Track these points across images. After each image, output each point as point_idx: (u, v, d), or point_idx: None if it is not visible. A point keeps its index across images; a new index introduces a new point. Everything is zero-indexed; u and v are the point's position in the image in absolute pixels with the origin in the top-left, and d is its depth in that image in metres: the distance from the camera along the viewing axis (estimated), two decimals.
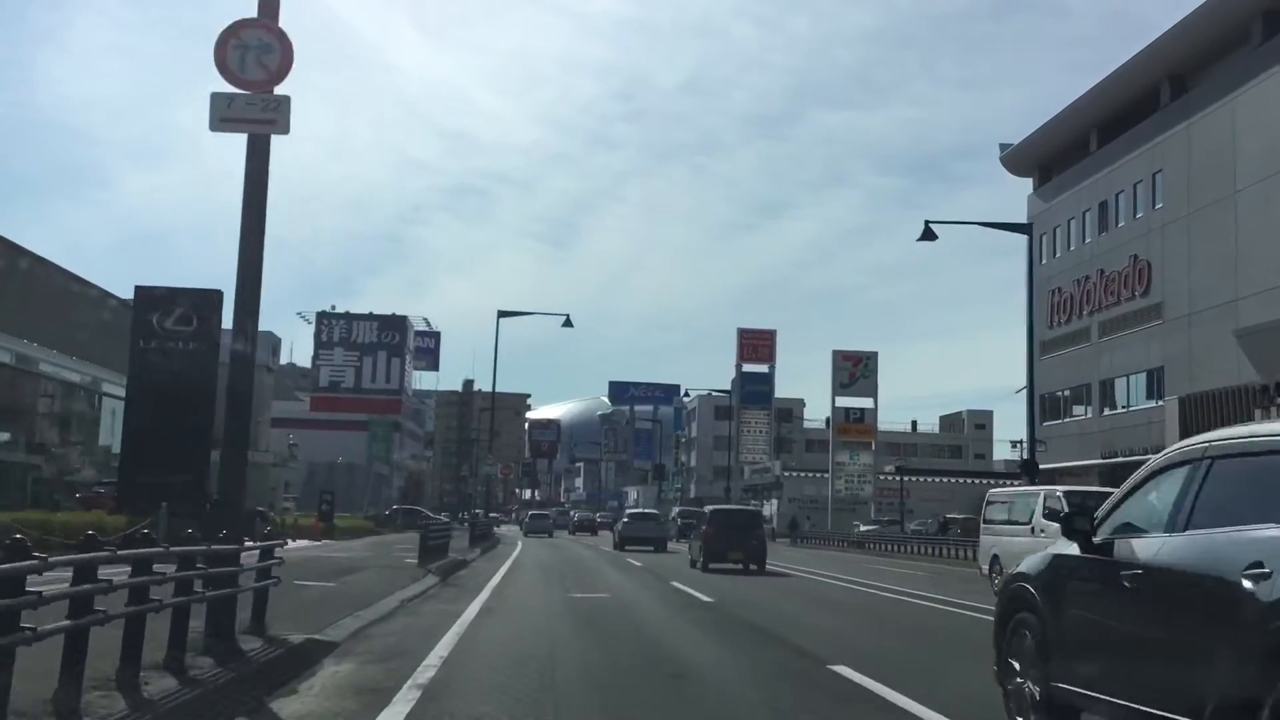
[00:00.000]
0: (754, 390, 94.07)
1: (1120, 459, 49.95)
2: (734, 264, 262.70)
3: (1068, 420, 56.64)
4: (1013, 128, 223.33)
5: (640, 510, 56.79)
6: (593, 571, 25.75)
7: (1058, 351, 58.08)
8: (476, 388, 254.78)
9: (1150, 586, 5.35)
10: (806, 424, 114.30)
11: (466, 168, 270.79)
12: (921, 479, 79.76)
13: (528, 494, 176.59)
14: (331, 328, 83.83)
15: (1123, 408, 52.33)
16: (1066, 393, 57.63)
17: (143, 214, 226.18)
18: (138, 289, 21.89)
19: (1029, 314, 35.32)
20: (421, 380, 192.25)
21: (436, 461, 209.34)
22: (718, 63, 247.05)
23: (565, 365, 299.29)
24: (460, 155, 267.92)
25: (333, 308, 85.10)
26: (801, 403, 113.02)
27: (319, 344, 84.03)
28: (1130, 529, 5.88)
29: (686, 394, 75.93)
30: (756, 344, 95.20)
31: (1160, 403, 47.88)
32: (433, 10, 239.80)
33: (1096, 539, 6.03)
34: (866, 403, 69.65)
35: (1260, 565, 4.42)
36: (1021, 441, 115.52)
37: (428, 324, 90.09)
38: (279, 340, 73.47)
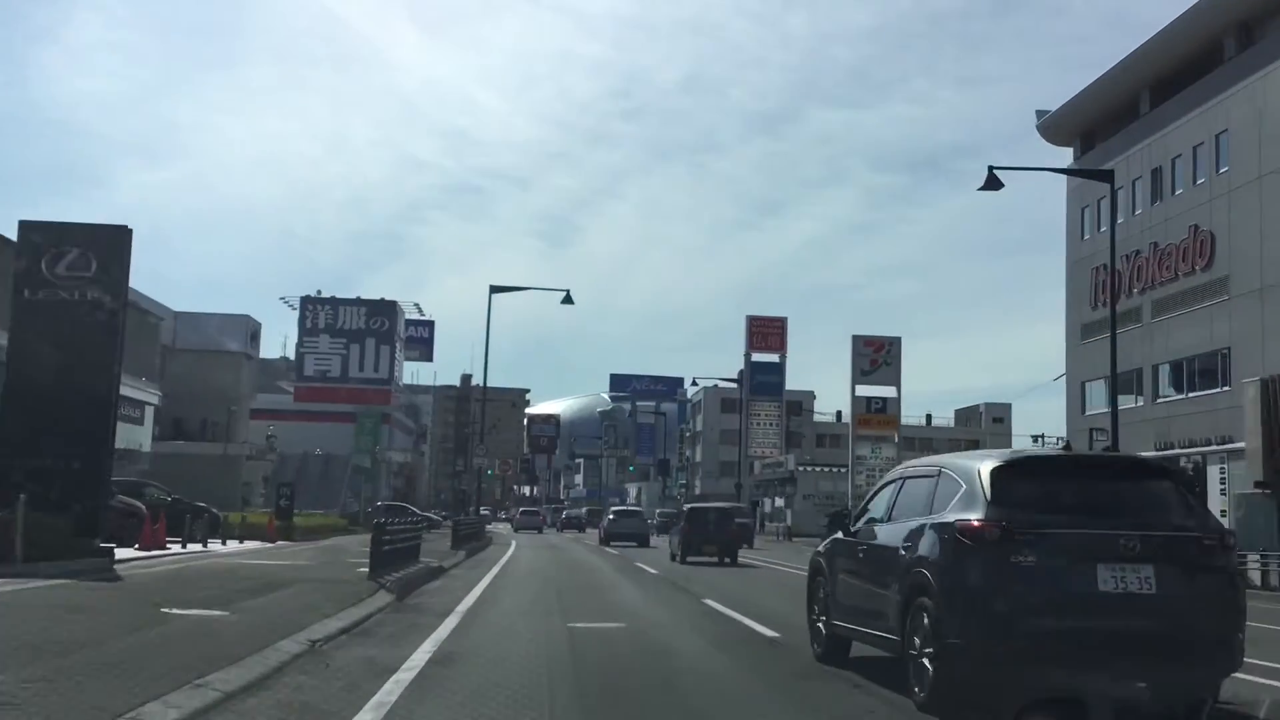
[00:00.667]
0: (764, 380, 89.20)
1: (1179, 450, 45.14)
2: (733, 262, 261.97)
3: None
4: (1012, 125, 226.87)
5: (624, 508, 60.32)
6: (593, 576, 21.40)
7: (1103, 335, 53.12)
8: (475, 383, 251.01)
9: (870, 554, 9.20)
10: (817, 417, 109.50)
11: (465, 166, 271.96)
12: None
13: (527, 490, 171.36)
14: (317, 313, 78.93)
15: (1180, 394, 47.40)
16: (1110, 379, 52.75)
17: (140, 210, 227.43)
18: (21, 224, 16.87)
19: (1114, 285, 30.11)
20: (419, 376, 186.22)
21: (435, 458, 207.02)
22: (716, 61, 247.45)
23: (564, 363, 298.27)
24: (459, 153, 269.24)
25: (318, 293, 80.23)
26: (812, 395, 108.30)
27: (303, 331, 79.08)
28: (869, 520, 9.62)
29: (694, 382, 71.08)
30: (766, 331, 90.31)
31: (1227, 388, 43.01)
32: (431, 8, 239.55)
33: (852, 528, 9.91)
34: (889, 391, 64.69)
35: (906, 540, 8.23)
36: (1043, 436, 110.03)
37: (420, 310, 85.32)
38: (258, 325, 68.60)
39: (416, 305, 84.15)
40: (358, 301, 79.44)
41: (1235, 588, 7.57)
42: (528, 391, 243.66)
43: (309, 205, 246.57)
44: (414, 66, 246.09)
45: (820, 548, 10.59)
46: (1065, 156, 58.72)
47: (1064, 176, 58.32)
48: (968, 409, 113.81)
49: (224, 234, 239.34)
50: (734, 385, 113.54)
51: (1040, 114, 58.35)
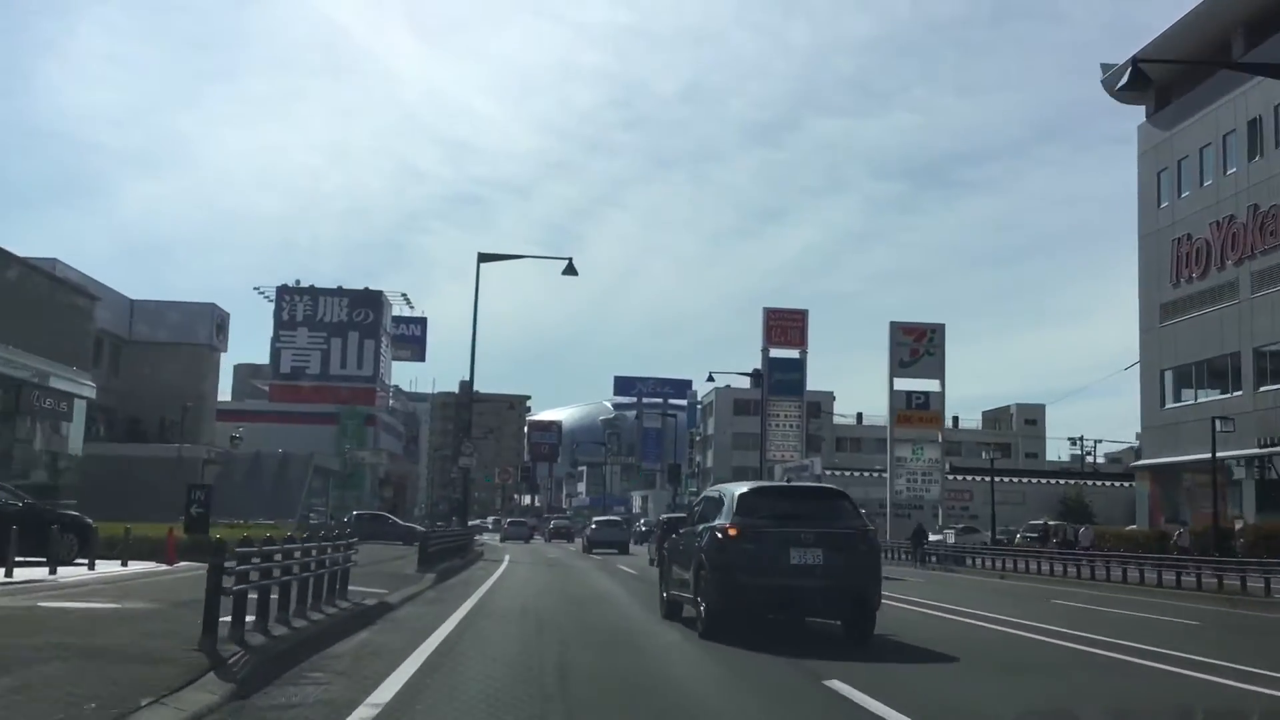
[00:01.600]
0: (783, 378, 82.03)
1: None
2: (734, 270, 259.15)
3: (1204, 400, 44.60)
4: (1010, 133, 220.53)
5: (606, 518, 60.47)
6: (608, 611, 15.59)
7: (1186, 315, 46.15)
8: (475, 389, 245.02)
9: (684, 547, 14.28)
10: (836, 419, 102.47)
11: (466, 175, 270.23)
12: (977, 478, 67.77)
13: (528, 500, 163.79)
14: (294, 304, 72.04)
15: None
16: (1198, 366, 45.76)
17: (142, 223, 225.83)
18: None
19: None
20: (417, 384, 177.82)
21: (432, 467, 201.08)
22: (716, 70, 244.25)
23: (565, 373, 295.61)
24: (459, 163, 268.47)
25: (297, 282, 73.31)
26: (831, 396, 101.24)
27: (280, 324, 72.19)
28: (687, 527, 14.97)
29: (710, 377, 63.73)
30: (785, 325, 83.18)
31: None
32: (432, 18, 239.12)
33: (682, 530, 15.34)
34: (931, 385, 57.76)
35: (698, 538, 13.43)
36: (1082, 438, 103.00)
37: (408, 303, 78.26)
38: (225, 315, 61.62)
39: (405, 297, 77.18)
40: (339, 292, 72.46)
41: (872, 561, 13.25)
42: (528, 398, 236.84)
43: (310, 216, 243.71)
44: (414, 76, 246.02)
45: (664, 546, 17.02)
46: (1136, 114, 51.81)
47: (1132, 145, 51.59)
48: (997, 410, 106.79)
49: (226, 245, 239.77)
50: (748, 386, 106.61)
51: (1106, 68, 51.30)
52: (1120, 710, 8.42)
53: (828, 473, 69.76)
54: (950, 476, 61.01)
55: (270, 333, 73.45)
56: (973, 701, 8.79)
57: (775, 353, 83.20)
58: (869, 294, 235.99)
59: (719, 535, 12.73)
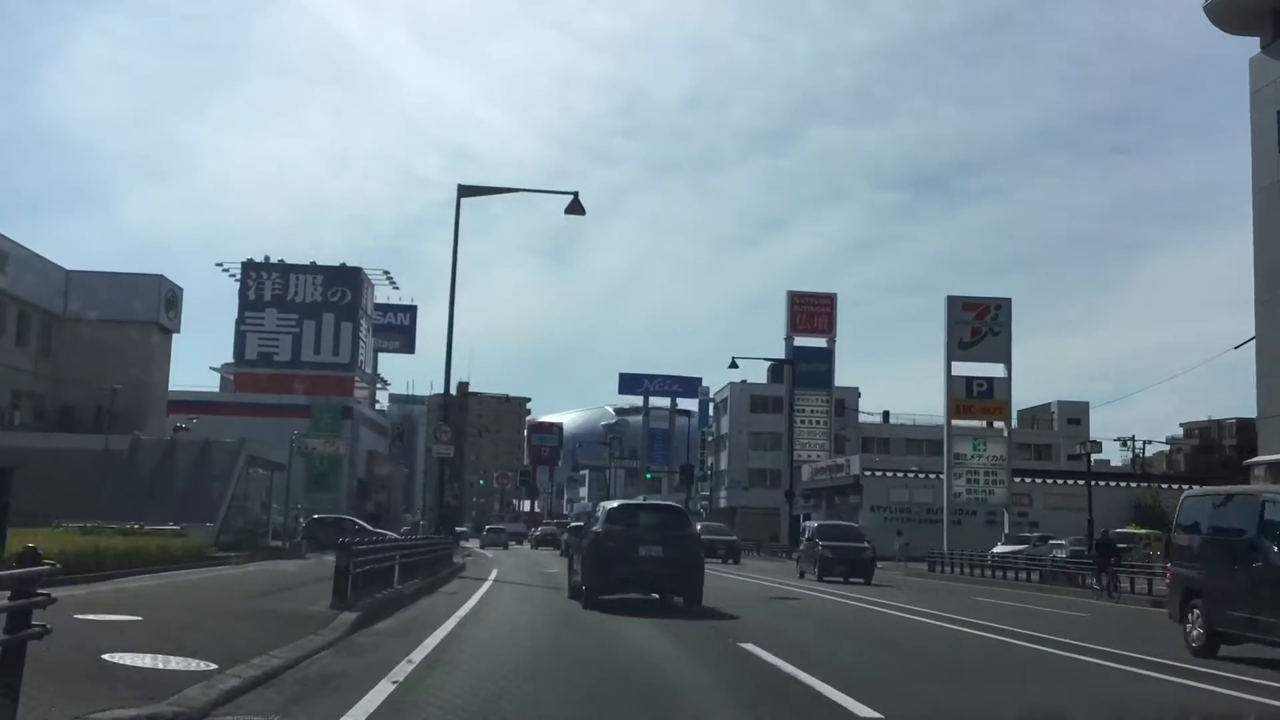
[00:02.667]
0: (809, 369, 73.93)
1: None
2: (736, 278, 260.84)
3: None
4: (1011, 143, 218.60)
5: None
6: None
7: None
8: (472, 389, 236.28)
9: (578, 544, 20.26)
10: (863, 418, 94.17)
11: (467, 182, 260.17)
12: (1038, 480, 59.58)
13: (527, 505, 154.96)
14: (261, 282, 63.89)
15: None
16: None
17: (144, 229, 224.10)
18: None
19: None
20: (415, 385, 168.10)
21: (428, 471, 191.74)
22: (718, 79, 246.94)
23: (565, 379, 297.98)
24: (462, 170, 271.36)
25: (266, 258, 65.09)
26: (856, 391, 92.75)
27: (245, 304, 64.03)
28: (587, 528, 20.26)
29: (733, 363, 55.02)
30: (812, 311, 75.12)
31: None
32: (434, 27, 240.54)
33: (581, 532, 21.18)
34: (996, 370, 49.54)
35: (584, 538, 19.39)
36: (1133, 438, 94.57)
37: (391, 282, 69.76)
38: (177, 290, 53.42)
39: (387, 275, 68.80)
40: (312, 268, 64.24)
41: (698, 556, 18.64)
42: (528, 400, 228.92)
43: (312, 223, 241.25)
44: (416, 84, 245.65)
45: (570, 545, 24.89)
46: (1247, 46, 43.71)
47: (1249, 59, 43.48)
48: (1035, 409, 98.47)
49: (228, 252, 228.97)
50: (765, 381, 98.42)
51: None
52: None
53: (866, 473, 61.40)
54: (1020, 480, 52.78)
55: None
56: None
57: (800, 341, 75.19)
58: (871, 302, 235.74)
59: (593, 537, 18.33)
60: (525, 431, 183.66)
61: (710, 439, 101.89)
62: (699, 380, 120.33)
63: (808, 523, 40.03)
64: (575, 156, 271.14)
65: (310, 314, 63.74)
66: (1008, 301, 50.01)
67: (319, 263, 64.93)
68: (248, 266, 64.06)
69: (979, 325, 48.93)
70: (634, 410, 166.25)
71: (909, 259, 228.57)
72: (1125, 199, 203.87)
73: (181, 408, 56.55)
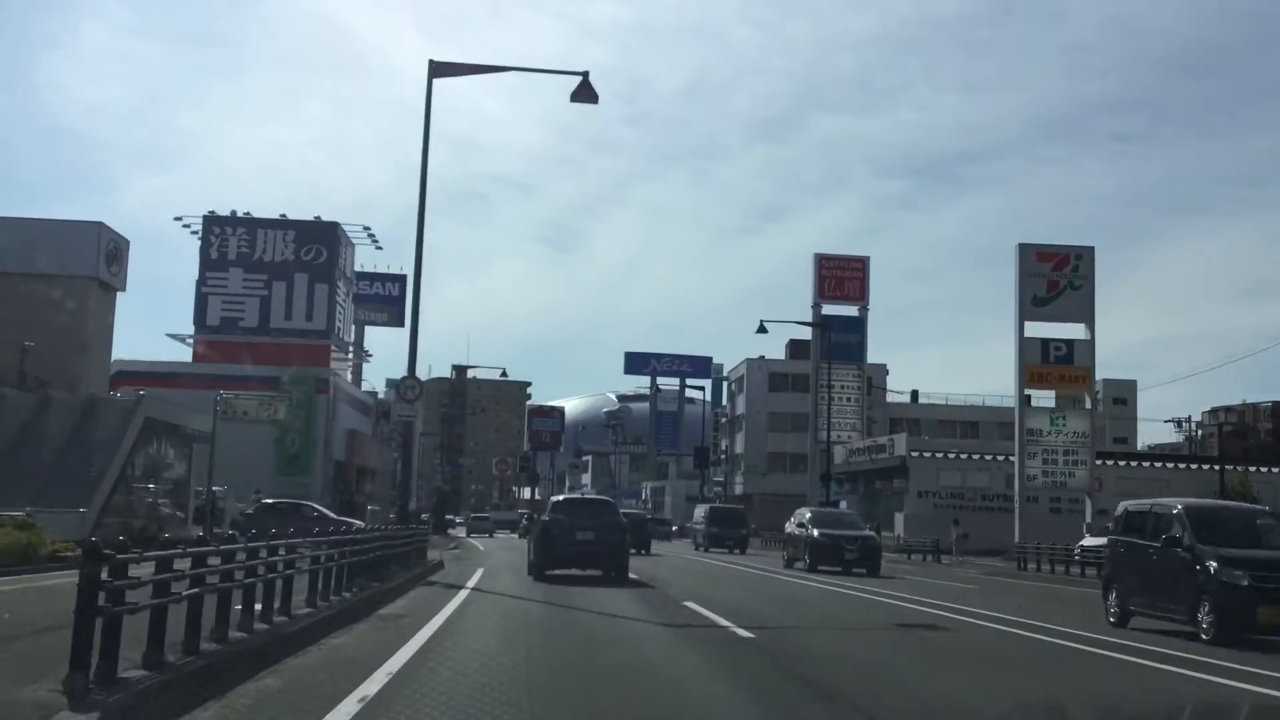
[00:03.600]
0: (839, 340, 66.46)
1: None
2: (738, 267, 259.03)
3: None
4: (1012, 130, 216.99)
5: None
6: None
7: None
8: (471, 374, 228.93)
9: (533, 529, 26.69)
10: (891, 397, 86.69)
11: (468, 172, 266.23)
12: (1111, 462, 52.18)
13: (527, 493, 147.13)
14: (225, 239, 56.54)
15: None
16: None
17: (145, 218, 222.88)
18: None
19: None
20: (408, 370, 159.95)
21: (426, 457, 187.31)
22: (718, 67, 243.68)
23: (566, 368, 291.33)
24: (462, 159, 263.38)
25: (232, 213, 57.69)
26: (884, 369, 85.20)
27: (207, 262, 56.67)
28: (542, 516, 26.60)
29: (761, 328, 47.46)
30: (842, 275, 67.81)
31: None
32: (434, 15, 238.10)
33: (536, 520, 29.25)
34: (1076, 330, 42.22)
35: (536, 524, 26.33)
36: (1189, 419, 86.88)
37: (373, 239, 62.19)
38: (121, 242, 46.14)
39: (369, 233, 61.18)
40: (284, 222, 56.75)
41: (623, 540, 23.05)
42: (528, 385, 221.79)
43: (312, 211, 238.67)
44: (417, 72, 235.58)
45: (529, 531, 31.81)
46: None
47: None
48: (1119, 383, 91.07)
49: None
50: (784, 357, 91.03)
51: None
52: None
53: (914, 454, 53.90)
54: (1102, 463, 45.47)
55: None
56: None
57: (830, 309, 67.73)
58: (873, 290, 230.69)
59: (542, 524, 23.71)
60: (525, 416, 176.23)
61: (724, 420, 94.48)
62: (709, 360, 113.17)
63: (800, 510, 36.37)
64: (575, 145, 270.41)
65: (280, 274, 56.35)
66: (1089, 251, 42.52)
67: (291, 216, 57.44)
68: (210, 221, 56.67)
69: (1056, 278, 41.58)
70: (637, 397, 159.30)
71: (911, 248, 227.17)
72: (1128, 188, 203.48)
73: (135, 379, 49.43)
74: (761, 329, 48.59)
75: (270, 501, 34.58)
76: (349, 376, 70.50)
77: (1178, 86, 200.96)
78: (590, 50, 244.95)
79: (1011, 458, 43.09)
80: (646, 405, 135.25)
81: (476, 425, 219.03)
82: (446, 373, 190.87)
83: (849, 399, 66.57)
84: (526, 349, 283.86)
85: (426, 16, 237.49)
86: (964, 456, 52.90)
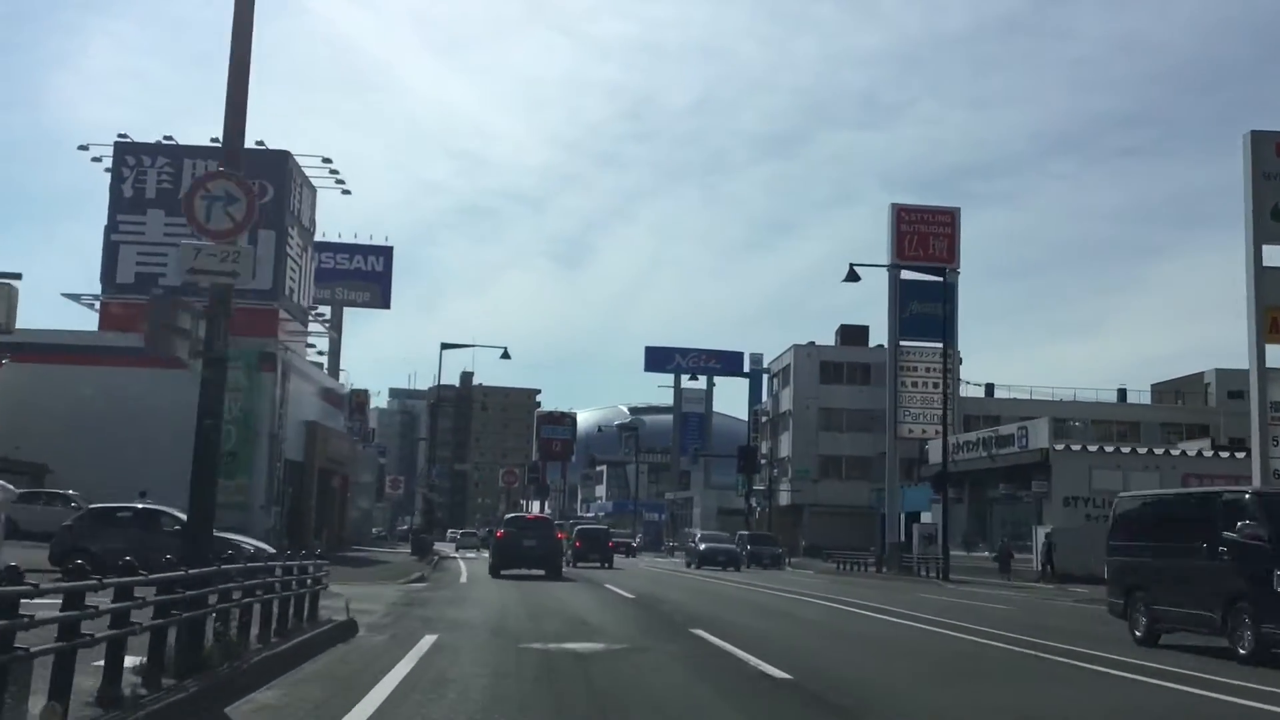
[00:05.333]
0: (921, 311, 53.57)
1: None
2: (746, 284, 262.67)
3: None
4: (1020, 146, 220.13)
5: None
6: None
7: None
8: (476, 381, 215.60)
9: (494, 540, 35.74)
10: (964, 390, 73.38)
11: (477, 188, 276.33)
12: None
13: (536, 506, 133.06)
14: (143, 171, 43.66)
15: None
16: None
17: None
18: None
19: None
20: (416, 379, 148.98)
21: (428, 470, 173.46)
22: (726, 83, 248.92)
23: (575, 383, 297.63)
24: (470, 175, 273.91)
25: (167, 138, 44.80)
26: (956, 356, 71.78)
27: (119, 202, 43.70)
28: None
29: (851, 273, 34.44)
30: (925, 232, 54.82)
31: None
32: (442, 32, 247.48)
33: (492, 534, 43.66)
34: None
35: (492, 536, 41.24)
36: None
37: (336, 178, 48.87)
38: None
39: (329, 166, 47.98)
40: (219, 150, 44.04)
41: (558, 548, 32.61)
42: (538, 392, 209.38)
43: (321, 229, 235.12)
44: (425, 90, 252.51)
45: (489, 541, 45.10)
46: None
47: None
48: (1179, 380, 77.76)
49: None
50: (833, 343, 77.85)
51: None
52: None
53: (1062, 446, 40.17)
54: None
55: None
56: None
57: (909, 274, 54.55)
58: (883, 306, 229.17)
59: (497, 536, 33.47)
60: (534, 424, 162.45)
61: (765, 420, 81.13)
62: (740, 355, 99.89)
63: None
64: (583, 161, 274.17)
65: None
66: None
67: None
68: (123, 148, 43.76)
69: None
70: (650, 409, 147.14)
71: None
72: (1134, 203, 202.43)
73: (30, 354, 36.94)
74: (852, 275, 35.54)
75: (99, 507, 21.48)
76: (320, 358, 57.53)
77: (1184, 101, 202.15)
78: (598, 67, 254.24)
79: (1172, 451, 29.75)
80: (660, 418, 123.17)
81: (484, 434, 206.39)
82: (452, 379, 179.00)
83: (933, 384, 53.36)
84: (536, 364, 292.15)
85: (434, 35, 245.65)
86: (1123, 451, 39.46)
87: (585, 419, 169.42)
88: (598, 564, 41.12)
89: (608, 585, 25.44)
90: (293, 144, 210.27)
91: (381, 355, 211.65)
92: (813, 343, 75.12)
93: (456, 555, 50.56)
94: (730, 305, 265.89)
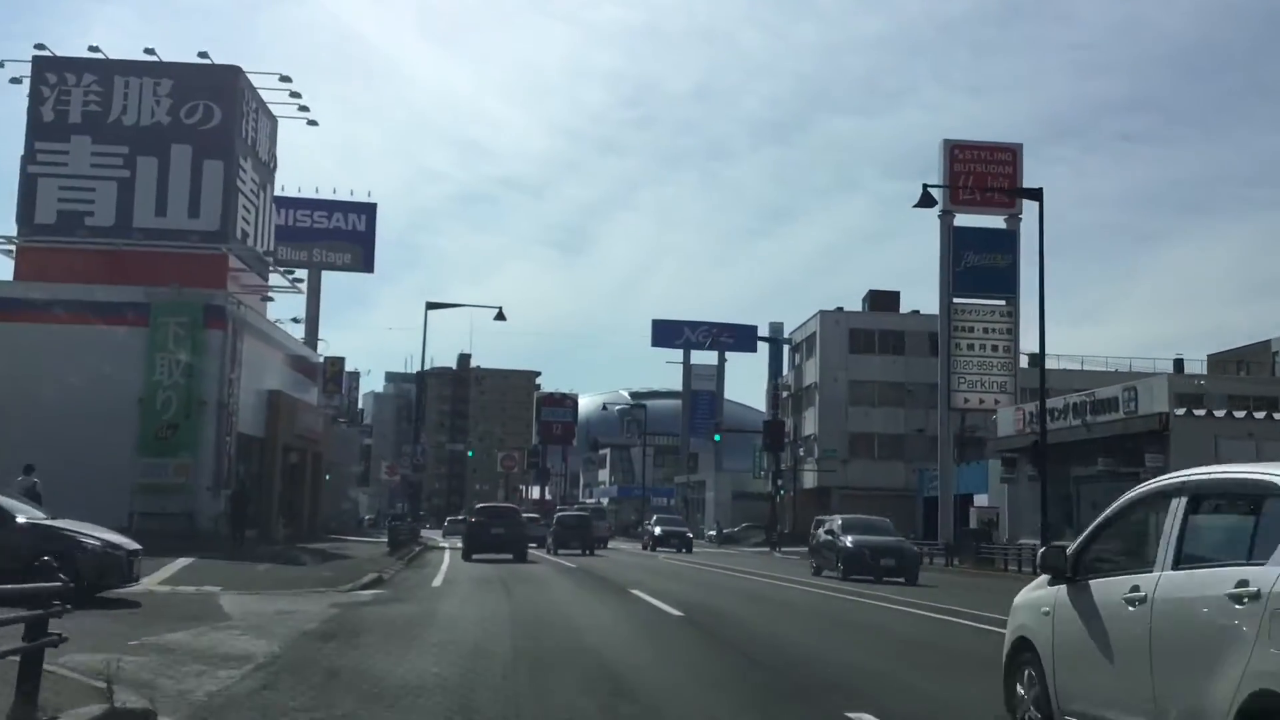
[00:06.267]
0: (979, 263, 46.54)
1: None
2: (746, 270, 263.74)
3: None
4: (1022, 131, 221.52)
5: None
6: None
7: None
8: (474, 363, 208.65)
9: (465, 527, 40.44)
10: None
11: (478, 175, 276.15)
12: None
13: (536, 492, 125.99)
14: (66, 92, 36.45)
15: None
16: None
17: None
18: None
19: None
20: (411, 362, 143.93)
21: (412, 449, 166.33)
22: (726, 69, 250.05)
23: (575, 371, 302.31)
24: (471, 163, 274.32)
25: (93, 48, 37.59)
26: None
27: (37, 128, 36.42)
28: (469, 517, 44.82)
29: (925, 198, 28.23)
30: (983, 171, 47.71)
31: None
32: (442, 20, 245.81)
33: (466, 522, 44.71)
34: None
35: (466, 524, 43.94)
36: None
37: (297, 100, 41.52)
38: None
39: (288, 87, 40.66)
40: (154, 66, 36.55)
41: (524, 533, 34.66)
42: (538, 374, 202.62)
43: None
44: (425, 77, 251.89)
45: (463, 529, 42.44)
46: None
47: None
48: (1241, 349, 70.82)
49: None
50: (861, 308, 70.76)
51: None
52: None
53: (1179, 412, 33.07)
54: None
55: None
56: None
57: (964, 219, 47.50)
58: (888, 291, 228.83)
59: (468, 522, 37.23)
60: (534, 405, 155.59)
61: (786, 395, 74.06)
62: (754, 329, 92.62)
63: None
64: (584, 148, 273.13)
65: (150, 145, 36.08)
66: None
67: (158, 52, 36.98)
68: (43, 64, 36.59)
69: None
70: (651, 394, 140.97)
71: (920, 249, 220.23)
72: (1135, 189, 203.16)
73: None
74: (926, 200, 28.74)
75: None
76: (296, 328, 50.59)
77: (1185, 87, 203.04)
78: (598, 54, 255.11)
79: None
80: (662, 403, 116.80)
81: (482, 419, 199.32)
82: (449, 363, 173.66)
83: (993, 346, 46.32)
84: (535, 351, 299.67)
85: (434, 22, 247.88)
86: (1256, 417, 32.38)
87: (585, 404, 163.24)
88: (579, 551, 41.35)
89: (635, 592, 19.55)
90: (297, 138, 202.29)
91: (378, 344, 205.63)
92: (840, 308, 68.08)
93: (445, 545, 45.63)
94: (732, 291, 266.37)
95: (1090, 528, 6.48)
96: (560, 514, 48.63)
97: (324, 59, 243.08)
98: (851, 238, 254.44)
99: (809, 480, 67.12)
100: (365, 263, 64.59)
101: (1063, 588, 6.38)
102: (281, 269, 45.76)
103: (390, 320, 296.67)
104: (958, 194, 46.64)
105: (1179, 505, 5.59)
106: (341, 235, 63.70)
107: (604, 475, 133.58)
